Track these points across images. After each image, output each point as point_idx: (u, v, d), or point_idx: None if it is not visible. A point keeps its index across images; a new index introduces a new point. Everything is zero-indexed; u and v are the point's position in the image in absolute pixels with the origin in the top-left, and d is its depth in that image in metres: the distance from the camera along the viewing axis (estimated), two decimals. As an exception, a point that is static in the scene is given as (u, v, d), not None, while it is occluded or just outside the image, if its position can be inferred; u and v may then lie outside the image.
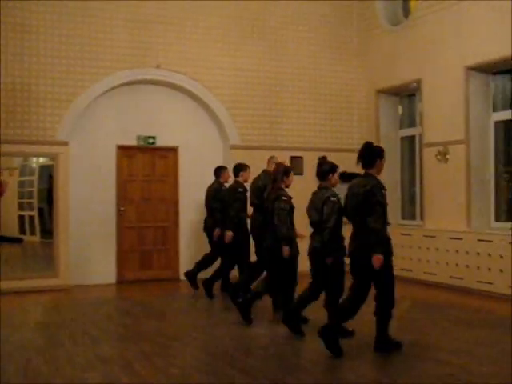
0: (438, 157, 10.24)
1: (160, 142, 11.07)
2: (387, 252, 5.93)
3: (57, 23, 10.12)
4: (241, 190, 8.93)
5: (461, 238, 9.60)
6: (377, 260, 5.77)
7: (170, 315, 8.37)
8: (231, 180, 9.46)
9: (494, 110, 9.98)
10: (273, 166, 8.14)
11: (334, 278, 6.59)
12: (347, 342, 6.57)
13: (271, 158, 8.94)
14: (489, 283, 9.07)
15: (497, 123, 9.95)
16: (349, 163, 11.70)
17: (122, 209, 10.81)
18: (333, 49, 12.08)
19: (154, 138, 11.02)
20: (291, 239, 7.13)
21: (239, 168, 9.15)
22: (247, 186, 9.05)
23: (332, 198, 6.49)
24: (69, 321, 7.84)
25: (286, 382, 5.28)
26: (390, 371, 5.61)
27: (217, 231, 9.20)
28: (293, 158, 11.56)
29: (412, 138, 11.73)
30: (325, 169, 6.77)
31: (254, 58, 11.41)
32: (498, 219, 9.80)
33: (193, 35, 10.97)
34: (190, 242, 11.14)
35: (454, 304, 8.59)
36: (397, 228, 10.80)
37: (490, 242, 9.08)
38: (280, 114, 11.63)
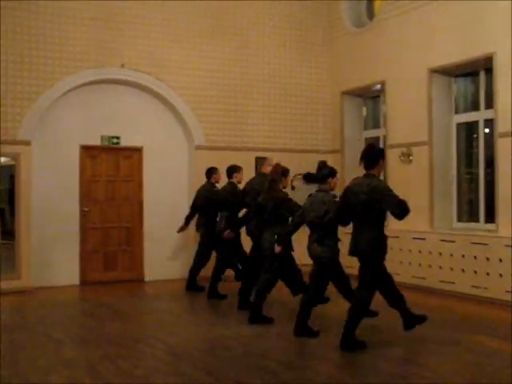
0: (402, 158, 10.35)
1: (124, 142, 10.97)
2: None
3: (20, 22, 9.96)
4: (239, 190, 9.09)
5: (424, 238, 9.72)
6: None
7: (134, 317, 8.31)
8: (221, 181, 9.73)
9: (456, 112, 10.12)
10: (268, 168, 8.39)
11: (338, 274, 6.96)
12: (313, 343, 6.61)
13: (266, 160, 9.01)
14: (451, 283, 9.20)
15: (459, 125, 10.09)
16: (314, 164, 11.86)
17: (85, 209, 10.69)
18: (298, 50, 12.12)
19: (118, 138, 10.93)
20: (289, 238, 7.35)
21: (233, 170, 9.30)
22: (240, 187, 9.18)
23: (334, 199, 6.73)
24: (31, 323, 7.73)
25: (250, 383, 5.28)
26: (356, 371, 5.65)
27: (227, 233, 9.05)
28: (258, 159, 11.55)
29: (376, 139, 11.84)
30: (324, 173, 6.94)
31: (220, 59, 11.38)
32: (460, 220, 9.94)
33: (158, 35, 10.90)
34: (155, 243, 11.06)
35: (417, 303, 8.65)
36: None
37: (453, 242, 9.20)
38: (245, 114, 11.63)
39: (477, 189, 9.70)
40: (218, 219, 9.44)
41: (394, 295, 6.63)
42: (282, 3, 11.93)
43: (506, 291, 8.33)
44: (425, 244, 9.68)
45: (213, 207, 9.50)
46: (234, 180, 9.27)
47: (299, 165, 11.73)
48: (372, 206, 6.11)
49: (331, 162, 11.92)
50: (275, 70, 11.88)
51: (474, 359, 5.94)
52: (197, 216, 10.09)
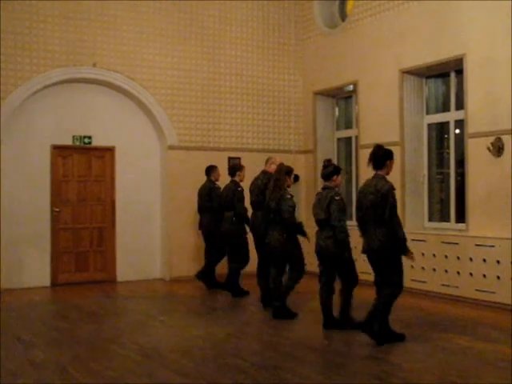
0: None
1: (96, 142, 10.89)
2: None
3: (-12, 19, 9.84)
4: (240, 189, 9.28)
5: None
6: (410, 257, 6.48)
7: (106, 318, 8.24)
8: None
9: (427, 112, 10.22)
10: (272, 167, 8.58)
11: (348, 270, 7.08)
12: (287, 343, 6.62)
13: (269, 158, 9.06)
14: (422, 282, 9.28)
15: (430, 125, 10.19)
16: (288, 164, 11.84)
17: (56, 210, 10.58)
18: (270, 50, 12.13)
19: (89, 137, 10.83)
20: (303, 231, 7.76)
21: (236, 168, 9.57)
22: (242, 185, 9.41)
23: (336, 197, 6.97)
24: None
25: (222, 383, 5.27)
26: (328, 370, 5.66)
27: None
28: (230, 159, 11.56)
29: (348, 140, 11.91)
30: (329, 170, 7.20)
31: (192, 59, 11.35)
32: (431, 219, 10.03)
33: (130, 34, 10.83)
34: (128, 243, 10.99)
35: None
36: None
37: (424, 241, 9.28)
38: (218, 114, 11.61)
39: (448, 189, 9.80)
40: (224, 219, 9.47)
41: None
42: (254, 3, 11.94)
43: (476, 290, 8.44)
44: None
45: (216, 204, 9.73)
46: (237, 178, 9.46)
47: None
48: (379, 205, 6.33)
49: (303, 162, 12.02)
50: (247, 70, 11.88)
51: (444, 357, 6.00)
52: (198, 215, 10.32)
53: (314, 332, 7.16)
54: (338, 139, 12.18)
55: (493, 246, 8.18)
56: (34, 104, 10.35)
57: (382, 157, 6.57)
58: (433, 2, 9.45)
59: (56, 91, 10.52)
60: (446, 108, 9.98)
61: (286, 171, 7.87)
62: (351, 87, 11.26)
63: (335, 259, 7.02)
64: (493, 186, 7.58)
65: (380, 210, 6.31)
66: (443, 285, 8.94)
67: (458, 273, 8.75)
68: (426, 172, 10.10)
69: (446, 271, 8.91)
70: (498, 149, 8.43)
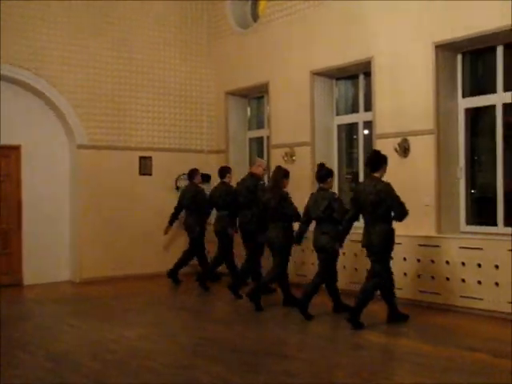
0: (285, 158, 10.53)
1: (1, 141, 10.47)
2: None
3: None
4: (232, 190, 9.77)
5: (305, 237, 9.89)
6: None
7: (12, 323, 7.93)
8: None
9: (337, 113, 10.43)
10: (259, 169, 9.33)
11: (332, 262, 7.83)
12: (202, 343, 6.61)
13: (257, 161, 9.62)
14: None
15: (339, 126, 10.41)
16: (199, 164, 11.89)
17: (-42, 211, 10.14)
18: (182, 49, 12.05)
19: (-6, 136, 10.43)
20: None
21: (226, 170, 10.08)
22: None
23: (336, 196, 7.81)
24: None
25: (135, 386, 5.21)
26: (241, 368, 5.67)
27: (231, 230, 9.70)
28: (141, 159, 11.43)
29: (260, 140, 12.00)
30: (324, 173, 7.85)
31: (103, 56, 11.11)
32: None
33: (39, 29, 10.46)
34: (35, 245, 10.64)
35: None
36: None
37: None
38: (129, 113, 11.43)
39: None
40: (215, 218, 10.03)
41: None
42: (166, 3, 11.81)
43: (351, 282, 8.62)
44: (309, 243, 9.86)
45: (201, 206, 10.39)
46: (227, 180, 9.99)
47: (184, 165, 11.72)
48: (380, 204, 7.01)
49: (216, 162, 12.01)
50: (159, 69, 11.75)
51: (356, 353, 6.13)
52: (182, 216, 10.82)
53: (228, 332, 7.18)
54: (250, 139, 12.26)
55: (400, 244, 8.42)
56: None
57: (378, 161, 7.28)
58: (343, 6, 9.64)
59: (-42, 87, 10.08)
60: (355, 109, 10.22)
61: (283, 174, 8.42)
62: (263, 88, 11.30)
63: (328, 252, 7.70)
64: (400, 186, 7.80)
65: (381, 209, 7.01)
66: (351, 282, 9.12)
67: (356, 269, 8.95)
68: (336, 172, 10.29)
69: (356, 269, 9.08)
70: (404, 149, 8.71)
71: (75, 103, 10.83)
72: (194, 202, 10.50)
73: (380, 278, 7.16)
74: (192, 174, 10.79)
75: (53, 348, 6.44)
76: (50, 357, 6.12)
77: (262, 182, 9.42)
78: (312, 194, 8.06)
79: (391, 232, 7.19)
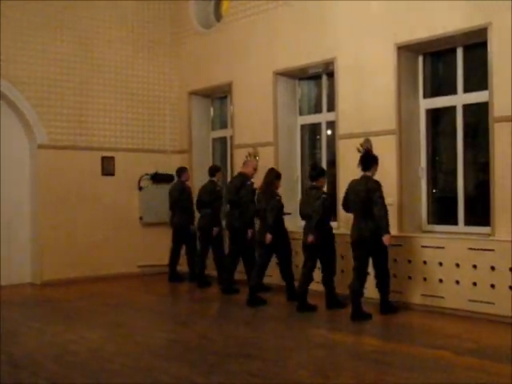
0: (248, 158, 10.52)
1: (-42, 140, 10.27)
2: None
3: None
4: (218, 188, 10.22)
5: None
6: (387, 239, 7.40)
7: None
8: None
9: (301, 113, 10.47)
10: (249, 168, 9.62)
11: (330, 259, 8.17)
12: (164, 344, 6.56)
13: (247, 161, 9.91)
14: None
15: (303, 126, 10.44)
16: (162, 164, 11.82)
17: None
18: (145, 49, 11.95)
19: (-49, 135, 10.21)
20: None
21: (215, 169, 10.39)
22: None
23: (323, 196, 8.02)
24: None
25: (97, 389, 5.15)
26: (203, 369, 5.64)
27: (216, 230, 9.93)
28: (104, 159, 11.31)
29: (223, 140, 11.97)
30: (316, 172, 8.21)
31: (64, 55, 10.94)
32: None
33: (-4, 27, 10.29)
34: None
35: (269, 302, 8.84)
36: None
37: (299, 239, 9.44)
38: (91, 113, 11.28)
39: (320, 188, 10.07)
40: (201, 215, 10.25)
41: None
42: (129, 2, 11.69)
43: (316, 282, 8.68)
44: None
45: (187, 204, 10.61)
46: (215, 178, 10.25)
47: (147, 165, 11.66)
48: (370, 201, 7.40)
49: (179, 162, 11.95)
50: (121, 68, 11.63)
51: (317, 352, 6.16)
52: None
53: (190, 332, 7.15)
54: (214, 139, 12.23)
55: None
56: None
57: (370, 160, 7.68)
58: (306, 6, 9.68)
59: None
60: (318, 110, 10.26)
61: (276, 175, 8.79)
62: (226, 88, 11.28)
63: (319, 249, 7.99)
64: (362, 186, 7.93)
65: (370, 205, 7.40)
66: (319, 282, 9.13)
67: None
68: (299, 172, 10.34)
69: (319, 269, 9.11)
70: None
71: (35, 102, 10.65)
72: (180, 200, 10.63)
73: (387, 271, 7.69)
74: (180, 171, 10.92)
75: (14, 351, 6.31)
76: (12, 361, 5.99)
77: (249, 183, 9.51)
78: (304, 192, 8.48)
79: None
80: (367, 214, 7.47)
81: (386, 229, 7.41)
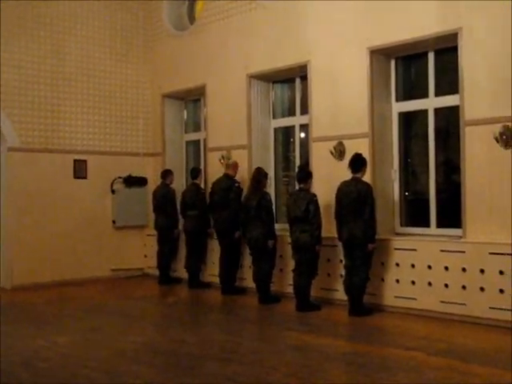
0: (222, 161, 10.51)
1: None
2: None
3: None
4: (203, 190, 10.45)
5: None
6: (371, 247, 7.71)
7: None
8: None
9: (274, 116, 10.47)
10: (234, 170, 9.77)
11: (313, 261, 8.20)
12: (136, 348, 6.51)
13: (232, 163, 9.92)
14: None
15: (276, 129, 10.45)
16: (136, 167, 11.76)
17: None
18: (119, 50, 11.88)
19: None
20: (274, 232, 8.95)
21: (198, 171, 10.59)
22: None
23: (315, 198, 8.15)
24: None
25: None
26: (177, 373, 5.61)
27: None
28: (76, 162, 11.20)
29: (197, 143, 11.94)
30: (305, 174, 8.38)
31: (35, 56, 10.82)
32: (277, 221, 10.25)
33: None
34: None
35: (246, 304, 8.83)
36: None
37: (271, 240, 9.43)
38: (63, 115, 11.17)
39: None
40: (187, 218, 10.41)
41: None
42: (102, 3, 11.63)
43: (322, 288, 8.73)
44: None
45: (171, 206, 10.69)
46: (198, 181, 10.47)
47: (120, 168, 11.59)
48: (360, 202, 7.63)
49: (152, 165, 11.91)
50: (94, 70, 11.54)
51: (291, 354, 6.16)
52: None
53: (162, 336, 7.12)
54: (187, 142, 12.19)
55: (336, 246, 8.50)
56: None
57: (359, 163, 7.86)
58: (280, 9, 9.70)
59: None
60: (291, 113, 10.28)
61: (264, 174, 9.02)
62: (199, 91, 11.25)
63: (308, 250, 8.08)
64: (336, 189, 7.91)
65: (360, 205, 7.60)
66: (290, 284, 9.15)
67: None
68: (273, 175, 10.33)
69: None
70: (340, 153, 8.81)
71: (5, 104, 10.50)
72: (164, 203, 10.74)
73: (366, 267, 7.79)
74: (164, 174, 11.00)
75: (-17, 356, 6.23)
76: (-21, 365, 5.91)
77: (237, 184, 9.64)
78: (291, 194, 8.61)
79: (374, 227, 7.81)
80: (357, 215, 7.66)
81: (372, 238, 7.73)
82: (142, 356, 6.21)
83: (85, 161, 11.32)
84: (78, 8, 11.35)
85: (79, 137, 11.35)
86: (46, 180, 10.80)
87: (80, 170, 11.25)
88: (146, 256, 11.80)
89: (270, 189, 10.27)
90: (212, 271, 10.32)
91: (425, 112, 8.47)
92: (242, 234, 9.28)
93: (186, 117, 12.25)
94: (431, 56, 8.36)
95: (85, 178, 11.29)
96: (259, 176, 8.97)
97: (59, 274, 10.81)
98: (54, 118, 11.06)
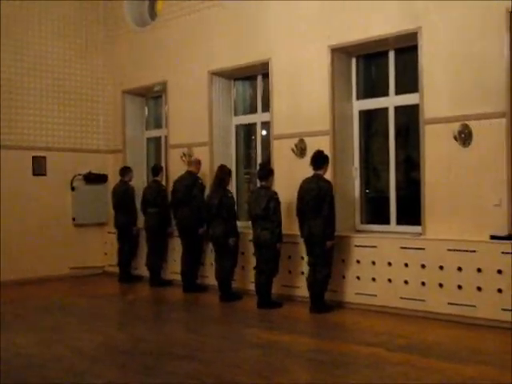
0: (183, 158, 10.47)
1: None
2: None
3: None
4: (164, 187, 10.46)
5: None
6: (329, 244, 7.73)
7: None
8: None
9: (236, 114, 10.47)
10: (197, 167, 9.75)
11: (274, 259, 8.23)
12: (96, 347, 6.44)
13: (195, 160, 9.89)
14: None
15: (238, 126, 10.45)
16: (96, 164, 11.64)
17: None
18: (77, 46, 11.72)
19: None
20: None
21: (159, 168, 10.56)
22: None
23: (275, 196, 8.18)
24: None
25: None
26: (138, 371, 5.56)
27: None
28: (35, 158, 11.03)
29: (158, 139, 11.87)
30: (266, 172, 8.40)
31: (-7, 52, 10.65)
32: (239, 219, 10.25)
33: None
34: None
35: (208, 302, 8.82)
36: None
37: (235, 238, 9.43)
38: (21, 111, 10.98)
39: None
40: (148, 215, 10.36)
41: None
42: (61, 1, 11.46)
43: (283, 285, 8.77)
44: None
45: (130, 204, 10.69)
46: (159, 178, 10.45)
47: (80, 165, 11.46)
48: (320, 199, 7.64)
49: (112, 161, 11.80)
50: (53, 66, 11.37)
51: (252, 352, 6.17)
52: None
53: (122, 334, 7.06)
54: (148, 139, 12.11)
55: (297, 243, 8.54)
56: None
57: (321, 160, 7.86)
58: (241, 7, 9.68)
59: None
60: (253, 110, 10.29)
61: (228, 172, 9.01)
62: (160, 87, 11.20)
63: (269, 248, 8.11)
64: (297, 186, 7.94)
65: (320, 202, 7.60)
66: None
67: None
68: (234, 172, 10.32)
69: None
70: (301, 150, 8.84)
71: (-38, 100, 10.31)
72: (123, 200, 10.70)
73: (328, 266, 7.82)
74: (123, 171, 10.92)
75: None
76: None
77: (200, 181, 9.66)
78: (252, 191, 8.70)
79: (333, 224, 7.81)
80: (317, 212, 7.68)
81: (330, 235, 7.75)
82: (102, 355, 6.16)
83: (44, 157, 11.16)
84: (38, 4, 11.16)
85: (38, 133, 11.18)
86: (3, 177, 10.59)
87: (39, 166, 11.09)
88: (106, 254, 11.70)
89: (232, 186, 10.28)
90: (173, 269, 10.29)
91: (385, 110, 8.56)
92: (206, 230, 9.24)
93: (147, 113, 12.16)
94: (392, 55, 8.45)
95: (44, 174, 11.14)
96: (222, 174, 8.95)
97: (16, 272, 10.61)
98: (12, 114, 10.86)
